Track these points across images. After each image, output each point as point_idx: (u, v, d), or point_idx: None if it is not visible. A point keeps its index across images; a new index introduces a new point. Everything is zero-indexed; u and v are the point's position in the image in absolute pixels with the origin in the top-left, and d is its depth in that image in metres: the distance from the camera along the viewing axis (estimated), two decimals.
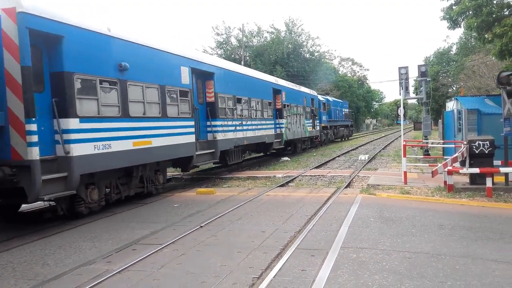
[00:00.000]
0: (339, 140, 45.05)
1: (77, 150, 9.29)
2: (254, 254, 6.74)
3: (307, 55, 60.23)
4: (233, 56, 51.85)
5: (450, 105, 20.02)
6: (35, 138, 8.36)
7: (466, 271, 5.79)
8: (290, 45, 55.13)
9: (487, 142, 11.64)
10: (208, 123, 15.95)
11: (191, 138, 14.28)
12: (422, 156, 20.16)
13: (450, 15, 18.18)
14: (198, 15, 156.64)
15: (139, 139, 11.48)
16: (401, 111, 16.93)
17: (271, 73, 42.07)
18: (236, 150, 18.50)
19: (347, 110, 50.66)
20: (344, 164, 21.23)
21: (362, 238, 7.50)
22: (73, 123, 9.32)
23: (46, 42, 9.07)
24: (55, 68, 9.19)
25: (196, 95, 15.24)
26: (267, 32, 56.21)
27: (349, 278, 5.58)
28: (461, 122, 16.20)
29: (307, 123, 30.16)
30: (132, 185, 11.99)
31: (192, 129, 14.43)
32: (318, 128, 33.86)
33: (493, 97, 16.65)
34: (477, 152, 11.64)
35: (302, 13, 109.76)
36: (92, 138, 9.82)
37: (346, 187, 13.45)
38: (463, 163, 12.14)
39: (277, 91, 24.03)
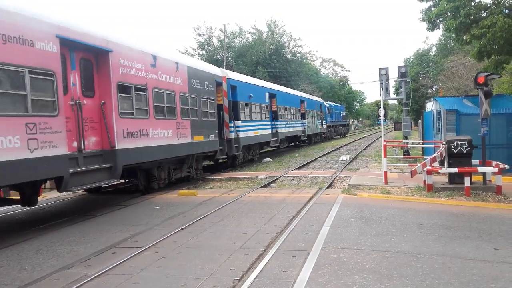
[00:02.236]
0: (338, 137, 54.49)
1: (240, 135, 20.37)
2: (236, 256, 6.72)
3: (289, 56, 60.46)
4: (215, 56, 51.71)
5: (430, 106, 20.29)
6: (232, 129, 19.53)
7: (445, 269, 5.86)
8: (272, 46, 55.25)
9: (465, 142, 11.80)
10: (273, 122, 26.86)
11: (269, 131, 25.84)
12: (403, 156, 20.41)
13: (429, 17, 18.40)
14: (179, 15, 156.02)
15: (255, 131, 22.94)
16: (381, 112, 17.09)
17: (253, 73, 42.23)
18: (285, 139, 30.01)
19: (344, 113, 62.49)
20: (326, 164, 21.35)
21: (343, 238, 7.54)
22: (240, 123, 20.44)
23: (231, 88, 19.68)
24: (233, 98, 20.01)
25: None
26: (249, 32, 56.29)
27: (329, 279, 5.60)
28: (440, 123, 16.44)
29: (318, 123, 41.67)
30: (250, 154, 23.07)
31: (269, 126, 25.94)
32: (325, 126, 45.52)
33: (471, 98, 16.94)
34: (455, 152, 11.80)
35: (283, 14, 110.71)
36: (243, 130, 20.89)
37: (327, 188, 13.51)
38: (442, 163, 12.29)
39: (302, 101, 35.64)
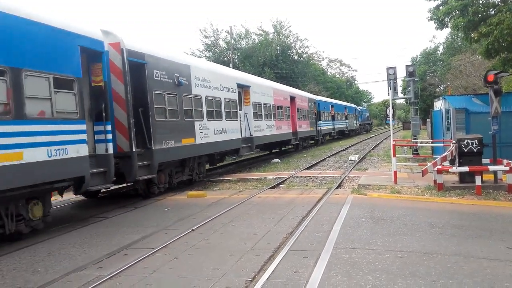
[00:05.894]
0: (364, 132, 69.22)
1: (321, 128, 39.99)
2: (247, 256, 6.72)
3: (296, 57, 60.29)
4: (221, 58, 51.68)
5: (438, 105, 20.19)
6: (318, 125, 38.58)
7: (458, 269, 5.82)
8: (278, 47, 55.14)
9: (476, 140, 11.72)
10: (332, 122, 44.94)
11: (331, 127, 44.87)
12: (412, 156, 20.29)
13: (437, 16, 18.30)
14: (182, 15, 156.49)
15: (326, 126, 42.43)
16: (390, 111, 17.03)
17: (260, 75, 42.30)
18: (338, 132, 47.67)
19: (368, 114, 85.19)
20: (334, 164, 21.28)
21: (354, 238, 7.52)
22: (321, 122, 40.01)
23: (318, 104, 39.92)
24: (317, 109, 38.70)
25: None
26: (255, 34, 56.19)
27: (342, 279, 5.58)
28: (449, 121, 16.34)
29: (354, 122, 59.16)
30: (323, 139, 41.37)
31: (331, 124, 44.98)
32: (357, 125, 62.83)
33: (480, 96, 16.81)
34: (466, 150, 11.73)
35: (289, 14, 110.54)
36: (322, 126, 40.53)
37: (337, 188, 13.46)
38: (452, 162, 12.22)
39: (345, 108, 53.44)
